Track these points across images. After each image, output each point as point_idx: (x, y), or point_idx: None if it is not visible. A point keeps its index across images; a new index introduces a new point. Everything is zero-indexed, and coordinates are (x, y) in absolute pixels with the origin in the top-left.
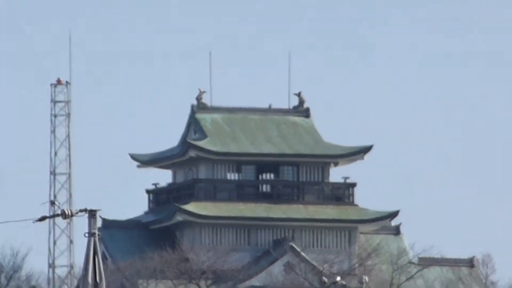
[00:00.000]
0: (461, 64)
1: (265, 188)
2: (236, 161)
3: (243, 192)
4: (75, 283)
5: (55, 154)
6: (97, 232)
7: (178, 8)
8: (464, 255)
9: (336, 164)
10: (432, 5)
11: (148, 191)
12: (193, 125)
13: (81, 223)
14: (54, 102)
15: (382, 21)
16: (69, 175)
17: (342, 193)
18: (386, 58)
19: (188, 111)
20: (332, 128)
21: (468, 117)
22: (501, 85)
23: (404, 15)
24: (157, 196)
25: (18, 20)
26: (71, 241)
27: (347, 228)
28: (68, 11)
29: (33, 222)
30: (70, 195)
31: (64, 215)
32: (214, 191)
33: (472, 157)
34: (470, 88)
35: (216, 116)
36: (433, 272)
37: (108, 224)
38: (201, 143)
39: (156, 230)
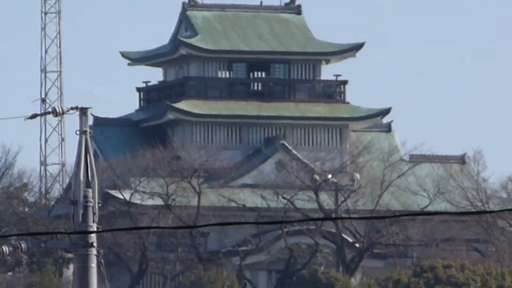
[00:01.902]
0: None
1: (256, 86)
2: (227, 58)
3: (234, 90)
4: (67, 180)
5: (46, 52)
6: (88, 130)
7: None
8: (456, 152)
9: (327, 61)
10: None
11: (139, 89)
12: (184, 22)
13: (72, 121)
14: None
15: None
16: (60, 72)
17: (334, 91)
18: None
19: (179, 9)
20: (323, 25)
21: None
22: None
23: None
24: (148, 94)
25: None
26: (62, 139)
27: (338, 126)
28: None
29: (24, 120)
30: (61, 93)
31: (55, 112)
32: (205, 89)
33: (461, 50)
34: None
35: (207, 13)
36: (424, 169)
37: (99, 122)
38: (192, 41)
39: (148, 128)
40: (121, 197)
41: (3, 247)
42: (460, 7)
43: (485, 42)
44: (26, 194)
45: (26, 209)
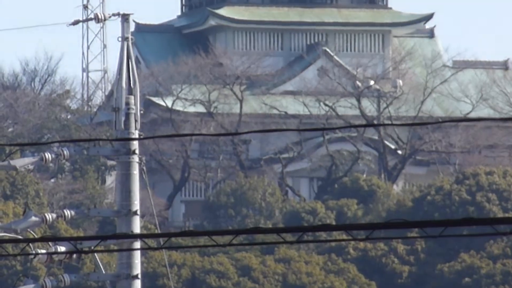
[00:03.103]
0: None
1: None
2: None
3: None
4: (109, 87)
5: None
6: (130, 36)
7: None
8: (499, 57)
9: None
10: None
11: None
12: None
13: (114, 27)
14: None
15: None
16: None
17: None
18: None
19: None
20: None
21: None
22: None
23: None
24: (190, 0)
25: None
26: (104, 46)
27: (381, 32)
28: None
29: (67, 26)
30: None
31: (97, 19)
32: None
33: None
34: None
35: None
36: (467, 75)
37: (141, 28)
38: None
39: (189, 34)
40: (163, 104)
41: (46, 154)
42: None
43: None
44: (68, 101)
45: (69, 116)
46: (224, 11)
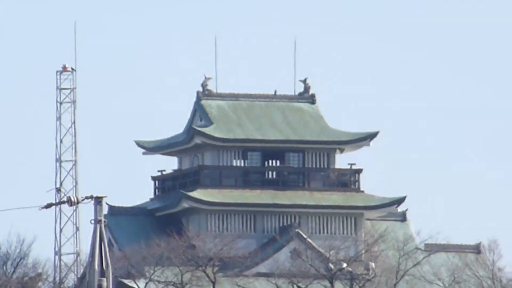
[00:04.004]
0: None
1: (271, 174)
2: (242, 147)
3: (249, 178)
4: (82, 270)
5: (61, 141)
6: (103, 219)
7: None
8: (471, 241)
9: (342, 150)
10: None
11: (154, 178)
12: (199, 111)
13: (87, 210)
14: (60, 89)
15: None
16: (75, 162)
17: (348, 180)
18: (389, 45)
19: (193, 98)
20: (337, 114)
21: (472, 101)
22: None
23: None
24: (163, 183)
25: (24, 8)
26: (77, 228)
27: (353, 215)
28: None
29: (39, 209)
30: (76, 182)
31: (70, 202)
32: (220, 177)
33: (477, 143)
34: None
35: (222, 102)
36: (440, 258)
37: (114, 211)
38: (206, 130)
39: (162, 217)
40: (136, 286)
41: None
42: (479, 93)
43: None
44: (40, 284)
45: None
46: (197, 194)
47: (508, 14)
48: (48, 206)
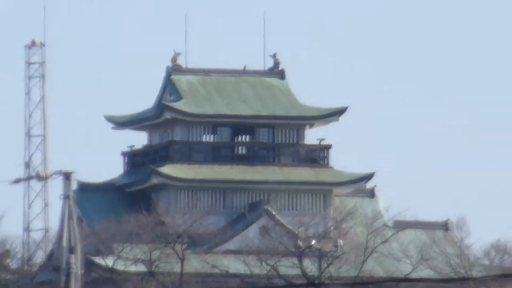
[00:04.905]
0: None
1: (241, 150)
2: (212, 122)
3: (219, 154)
4: (50, 246)
5: (30, 116)
6: (72, 195)
7: None
8: (439, 218)
9: (311, 125)
10: None
11: (123, 153)
12: (169, 87)
13: (56, 185)
14: (29, 63)
15: None
16: (44, 137)
17: (318, 155)
18: (361, 19)
19: (163, 73)
20: (307, 90)
21: (443, 76)
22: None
23: None
24: (133, 158)
25: None
26: (46, 204)
27: (322, 191)
28: None
29: (8, 184)
30: (45, 157)
31: (39, 177)
32: (189, 153)
33: (446, 117)
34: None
35: (192, 77)
36: (408, 235)
37: (83, 187)
38: (176, 105)
39: (132, 193)
40: (104, 263)
41: None
42: (447, 71)
43: (469, 104)
44: (8, 260)
45: (9, 276)
46: (166, 169)
47: None
48: (17, 181)
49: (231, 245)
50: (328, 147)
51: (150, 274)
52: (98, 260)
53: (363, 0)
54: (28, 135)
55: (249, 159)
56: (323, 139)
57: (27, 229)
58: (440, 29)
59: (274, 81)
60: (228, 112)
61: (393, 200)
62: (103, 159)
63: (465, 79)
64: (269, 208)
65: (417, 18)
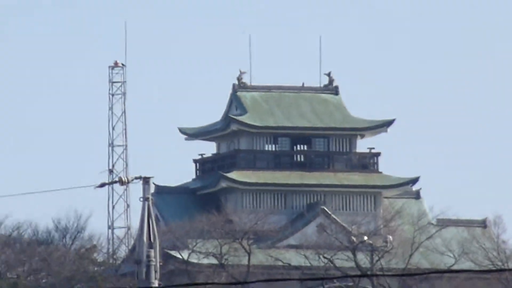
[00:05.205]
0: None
1: (299, 157)
2: (273, 133)
3: (280, 161)
4: (132, 242)
5: (113, 128)
6: (150, 197)
7: None
8: (478, 216)
9: (362, 136)
10: None
11: (195, 161)
12: (235, 102)
13: (136, 189)
14: (112, 82)
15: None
16: (125, 146)
17: (368, 162)
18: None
19: (230, 90)
20: (358, 104)
21: (484, 90)
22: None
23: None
24: (203, 165)
25: (79, 12)
26: (127, 205)
27: (372, 193)
28: (123, 2)
29: (94, 188)
30: (126, 164)
31: (121, 182)
32: (253, 160)
33: (480, 128)
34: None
35: (255, 94)
36: (450, 232)
37: (160, 190)
38: (241, 118)
39: (203, 195)
40: (180, 256)
41: None
42: (478, 83)
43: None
44: (95, 254)
45: (96, 268)
46: (234, 175)
47: None
48: (102, 185)
49: (292, 240)
50: (377, 154)
51: (221, 266)
52: (174, 253)
53: (400, 24)
54: (112, 145)
55: (306, 166)
56: (373, 148)
57: (111, 227)
58: (480, 42)
59: (329, 96)
60: (288, 124)
61: (436, 201)
62: (177, 166)
63: (500, 87)
64: (325, 208)
65: (455, 39)
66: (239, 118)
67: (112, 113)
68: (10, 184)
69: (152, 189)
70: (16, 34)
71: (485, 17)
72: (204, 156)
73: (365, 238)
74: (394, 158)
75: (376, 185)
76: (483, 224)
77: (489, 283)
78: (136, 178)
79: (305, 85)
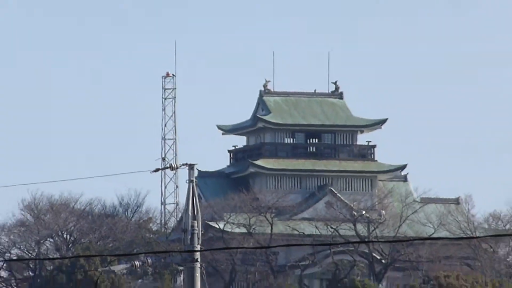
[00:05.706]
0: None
1: (312, 149)
2: (291, 130)
3: (296, 151)
4: (180, 215)
5: (165, 125)
6: (194, 180)
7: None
8: (453, 195)
9: (361, 131)
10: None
11: (229, 151)
12: (261, 104)
13: (183, 173)
14: (164, 89)
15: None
16: (175, 140)
17: (366, 152)
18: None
19: (257, 95)
20: (359, 106)
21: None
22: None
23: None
24: (236, 154)
25: (132, 33)
26: (176, 186)
27: (370, 177)
28: (172, 23)
29: (150, 173)
30: (176, 154)
31: (171, 167)
32: (276, 151)
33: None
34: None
35: (277, 98)
36: (430, 208)
37: (202, 174)
38: (266, 117)
39: (235, 179)
40: (217, 226)
41: (135, 262)
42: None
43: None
44: (151, 225)
45: (151, 236)
46: (260, 162)
47: None
48: (156, 170)
49: (305, 214)
50: (373, 146)
51: (249, 234)
52: (213, 224)
53: (395, 30)
54: (164, 139)
55: (317, 155)
56: (370, 141)
57: (163, 203)
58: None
59: (335, 100)
60: (303, 122)
61: (420, 183)
62: (215, 155)
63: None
64: (332, 189)
65: (448, 46)
66: (264, 117)
67: (164, 113)
68: (85, 168)
69: (195, 173)
70: (105, 49)
71: (470, 21)
72: (236, 147)
73: (364, 212)
74: (387, 149)
75: (372, 171)
76: (456, 201)
77: (461, 247)
78: (183, 165)
79: (316, 91)
